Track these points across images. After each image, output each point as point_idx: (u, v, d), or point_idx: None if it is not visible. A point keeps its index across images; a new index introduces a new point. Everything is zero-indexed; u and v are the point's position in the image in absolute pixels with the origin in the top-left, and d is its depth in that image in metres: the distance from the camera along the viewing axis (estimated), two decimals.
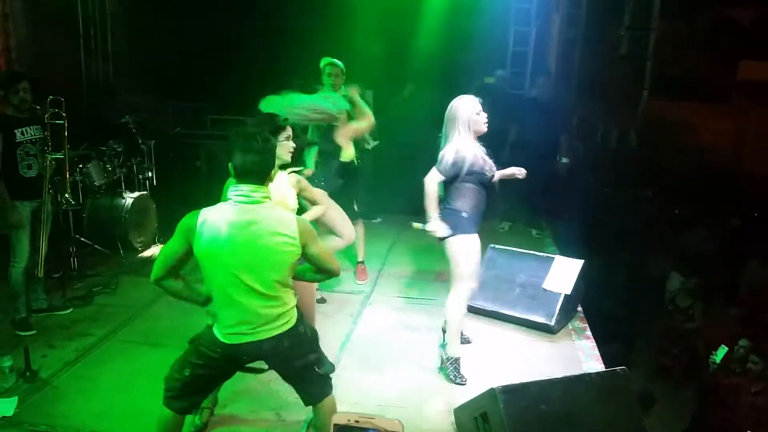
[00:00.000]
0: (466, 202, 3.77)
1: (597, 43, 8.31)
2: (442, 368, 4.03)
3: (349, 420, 1.53)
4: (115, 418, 3.42)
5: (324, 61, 5.17)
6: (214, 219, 2.51)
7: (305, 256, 2.63)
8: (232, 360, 2.68)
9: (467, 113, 3.74)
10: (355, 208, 5.14)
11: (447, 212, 3.82)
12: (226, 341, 2.61)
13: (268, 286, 2.55)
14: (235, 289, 2.53)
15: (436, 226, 3.76)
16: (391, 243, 6.55)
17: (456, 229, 3.78)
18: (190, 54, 7.94)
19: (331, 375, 2.83)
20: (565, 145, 7.45)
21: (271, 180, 2.62)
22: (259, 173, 2.54)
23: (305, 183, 3.62)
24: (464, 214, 3.77)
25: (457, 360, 3.97)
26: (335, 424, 1.53)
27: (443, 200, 3.86)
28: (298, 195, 3.55)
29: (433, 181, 3.76)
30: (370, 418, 1.53)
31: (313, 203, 3.73)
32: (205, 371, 2.69)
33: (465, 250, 3.80)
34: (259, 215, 2.52)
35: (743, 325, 4.65)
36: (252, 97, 5.69)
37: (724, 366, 3.97)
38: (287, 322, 2.65)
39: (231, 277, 2.52)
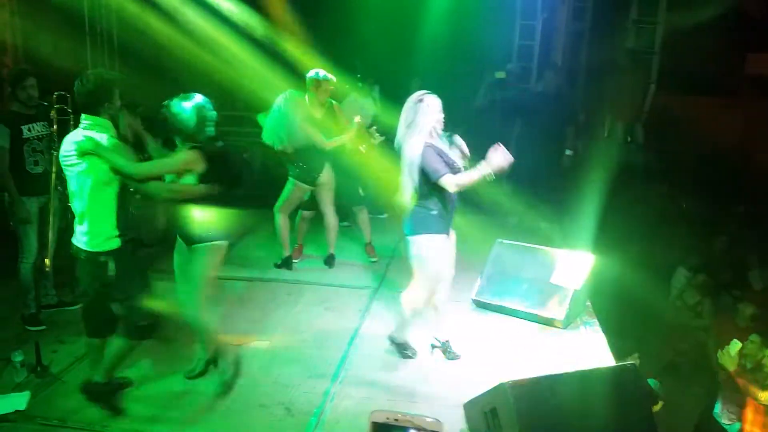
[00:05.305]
0: (435, 199, 3.68)
1: (604, 37, 8.27)
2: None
3: (388, 418, 1.51)
4: (124, 412, 3.43)
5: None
6: None
7: None
8: None
9: (437, 113, 3.68)
10: (360, 192, 5.66)
11: (416, 210, 3.74)
12: None
13: None
14: None
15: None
16: (398, 238, 6.52)
17: (423, 228, 3.71)
18: (198, 49, 7.89)
19: None
20: (571, 139, 7.40)
21: None
22: None
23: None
24: (434, 212, 3.70)
25: (403, 343, 4.16)
26: (374, 422, 1.52)
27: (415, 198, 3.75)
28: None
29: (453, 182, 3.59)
30: (409, 417, 1.52)
31: None
32: None
33: (430, 251, 3.73)
34: None
35: (754, 321, 4.63)
36: (257, 93, 5.71)
37: (735, 361, 3.93)
38: None
39: None
